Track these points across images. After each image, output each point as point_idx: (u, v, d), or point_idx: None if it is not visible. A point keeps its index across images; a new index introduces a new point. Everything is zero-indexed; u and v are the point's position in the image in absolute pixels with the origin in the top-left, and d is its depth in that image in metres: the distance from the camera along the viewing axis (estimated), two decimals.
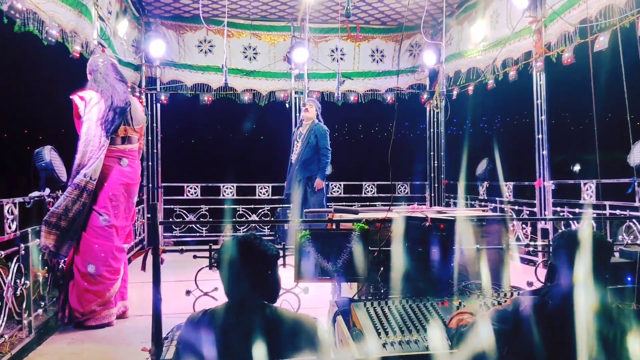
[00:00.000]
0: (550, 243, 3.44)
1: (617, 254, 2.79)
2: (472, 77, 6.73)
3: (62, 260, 3.96)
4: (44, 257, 3.72)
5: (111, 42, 5.47)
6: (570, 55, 4.82)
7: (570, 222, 5.02)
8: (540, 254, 5.24)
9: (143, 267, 2.68)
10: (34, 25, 3.74)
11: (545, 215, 5.56)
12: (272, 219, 7.84)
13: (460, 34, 6.94)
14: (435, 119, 8.18)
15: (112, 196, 3.88)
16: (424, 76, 8.02)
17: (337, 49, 7.61)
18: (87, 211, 3.75)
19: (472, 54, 6.57)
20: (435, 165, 8.18)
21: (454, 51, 7.11)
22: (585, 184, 5.18)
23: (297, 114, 7.33)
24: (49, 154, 4.13)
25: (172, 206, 7.67)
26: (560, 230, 1.94)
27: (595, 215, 4.66)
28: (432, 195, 8.23)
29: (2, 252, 3.17)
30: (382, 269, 2.62)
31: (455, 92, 7.41)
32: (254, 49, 7.52)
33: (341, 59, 7.54)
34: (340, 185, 8.17)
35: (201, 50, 7.38)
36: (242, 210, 7.73)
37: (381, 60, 7.85)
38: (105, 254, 3.80)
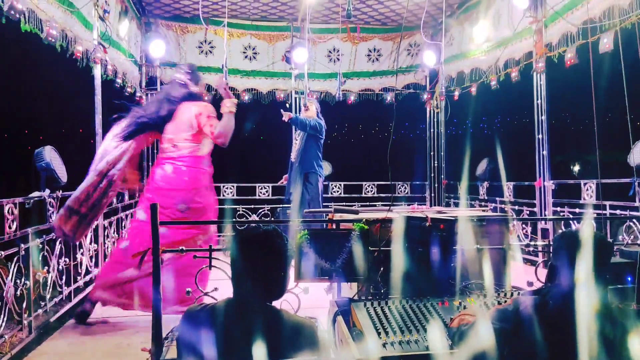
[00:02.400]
0: (551, 243, 3.44)
1: (617, 254, 2.79)
2: (475, 78, 6.72)
3: (63, 261, 3.96)
4: (44, 256, 3.73)
5: (116, 42, 5.48)
6: (573, 55, 4.81)
7: (571, 222, 5.02)
8: (540, 254, 5.25)
9: (140, 267, 2.68)
10: (36, 25, 3.74)
11: (545, 215, 5.56)
12: (272, 219, 7.84)
13: (462, 35, 6.93)
14: (435, 119, 8.18)
15: (149, 198, 3.94)
16: (422, 76, 8.02)
17: (334, 49, 7.61)
18: (108, 199, 3.90)
19: (475, 54, 6.57)
20: (435, 165, 8.18)
21: (456, 52, 7.10)
22: (585, 184, 5.18)
23: (298, 114, 7.32)
24: (49, 154, 4.13)
25: None
26: (560, 231, 1.94)
27: (595, 215, 4.66)
28: (432, 195, 8.23)
29: (2, 253, 3.17)
30: (382, 269, 2.61)
31: (457, 93, 7.39)
32: (254, 49, 7.52)
33: (338, 59, 7.55)
34: (340, 185, 8.17)
35: (202, 52, 7.38)
36: (242, 210, 7.73)
37: (377, 60, 7.84)
38: (139, 240, 3.83)
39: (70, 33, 4.36)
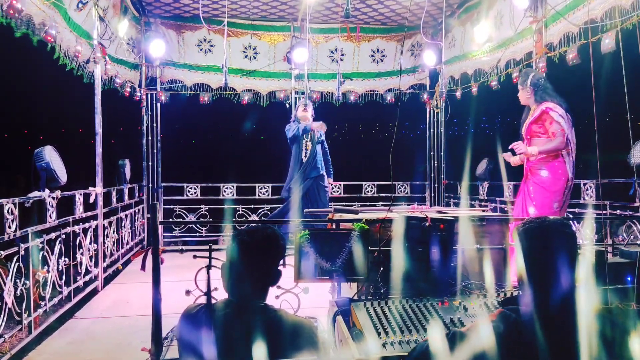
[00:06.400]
0: None
1: (617, 254, 2.79)
2: (478, 79, 6.71)
3: (63, 261, 3.95)
4: (44, 256, 3.73)
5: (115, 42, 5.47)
6: (575, 55, 4.80)
7: (571, 222, 5.01)
8: None
9: (143, 267, 2.67)
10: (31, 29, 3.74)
11: None
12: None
13: (464, 35, 6.92)
14: (435, 119, 8.17)
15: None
16: (424, 76, 8.01)
17: (336, 49, 7.60)
18: None
19: (477, 55, 6.56)
20: (435, 165, 8.17)
21: (458, 52, 7.09)
22: (585, 184, 5.18)
23: (295, 113, 7.31)
24: (49, 155, 4.13)
25: (172, 206, 7.67)
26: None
27: (595, 215, 4.66)
28: (432, 195, 8.23)
29: (2, 253, 3.17)
30: (382, 269, 2.61)
31: (458, 93, 7.37)
32: (254, 49, 7.51)
33: (341, 59, 7.54)
34: (340, 185, 8.17)
35: (201, 50, 7.37)
36: (242, 210, 7.73)
37: (382, 61, 7.84)
38: None
39: (70, 36, 4.36)
